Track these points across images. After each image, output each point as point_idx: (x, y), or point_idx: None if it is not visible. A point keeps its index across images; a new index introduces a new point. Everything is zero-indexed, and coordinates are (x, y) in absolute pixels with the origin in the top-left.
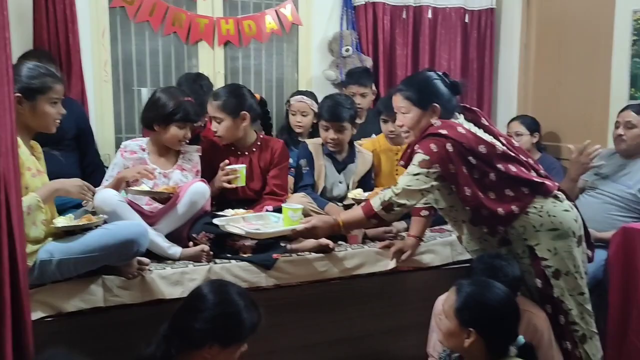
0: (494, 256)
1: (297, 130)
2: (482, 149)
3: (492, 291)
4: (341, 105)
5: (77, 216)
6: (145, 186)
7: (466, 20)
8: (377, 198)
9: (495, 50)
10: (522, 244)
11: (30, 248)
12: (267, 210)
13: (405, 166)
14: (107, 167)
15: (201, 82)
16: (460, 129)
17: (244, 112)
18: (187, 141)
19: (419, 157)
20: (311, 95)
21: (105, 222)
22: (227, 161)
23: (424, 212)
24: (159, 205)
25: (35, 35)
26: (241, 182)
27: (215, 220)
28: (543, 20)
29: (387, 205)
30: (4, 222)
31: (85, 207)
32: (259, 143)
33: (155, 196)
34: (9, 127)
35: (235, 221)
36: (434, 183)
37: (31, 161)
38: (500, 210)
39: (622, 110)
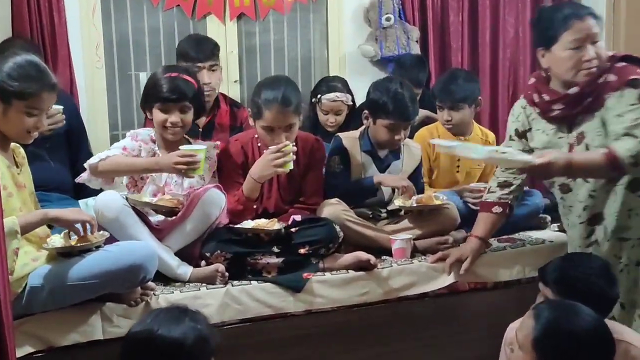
0: (576, 261)
1: (329, 129)
2: None
3: (580, 318)
4: (409, 101)
5: None
6: (145, 195)
7: None
8: (620, 143)
9: None
10: None
11: (19, 272)
12: (294, 220)
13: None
14: None
15: (207, 36)
16: None
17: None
18: (174, 127)
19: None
20: (343, 85)
21: (107, 240)
22: (286, 141)
23: (497, 209)
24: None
25: (14, 16)
26: (291, 165)
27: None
28: None
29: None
30: None
31: None
32: (294, 143)
33: (156, 208)
34: None
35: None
36: None
37: (7, 177)
38: None
39: None
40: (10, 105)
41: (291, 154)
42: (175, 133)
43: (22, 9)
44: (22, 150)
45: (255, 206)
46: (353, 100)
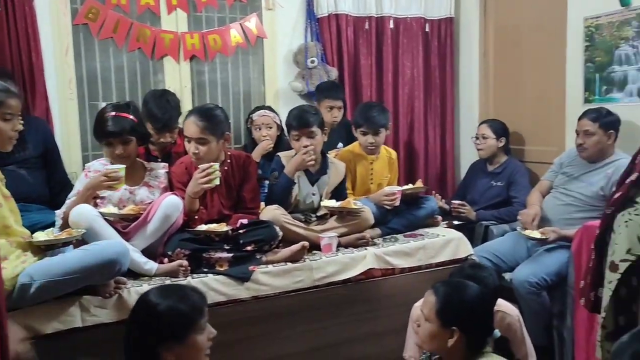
0: (474, 267)
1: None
2: None
3: (469, 289)
4: (307, 112)
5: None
6: (112, 207)
7: (427, 30)
8: None
9: (456, 58)
10: None
11: (10, 272)
12: (242, 223)
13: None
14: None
15: (168, 97)
16: None
17: (228, 133)
18: (119, 157)
19: None
20: (269, 109)
21: (83, 238)
22: (212, 163)
23: None
24: None
25: None
26: (217, 181)
27: None
28: (500, 27)
29: None
30: None
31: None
32: (229, 161)
33: (123, 217)
34: None
35: None
36: None
37: None
38: None
39: (579, 119)
40: None
41: (217, 172)
42: (122, 162)
43: (3, 51)
44: None
45: (197, 216)
46: (281, 122)
